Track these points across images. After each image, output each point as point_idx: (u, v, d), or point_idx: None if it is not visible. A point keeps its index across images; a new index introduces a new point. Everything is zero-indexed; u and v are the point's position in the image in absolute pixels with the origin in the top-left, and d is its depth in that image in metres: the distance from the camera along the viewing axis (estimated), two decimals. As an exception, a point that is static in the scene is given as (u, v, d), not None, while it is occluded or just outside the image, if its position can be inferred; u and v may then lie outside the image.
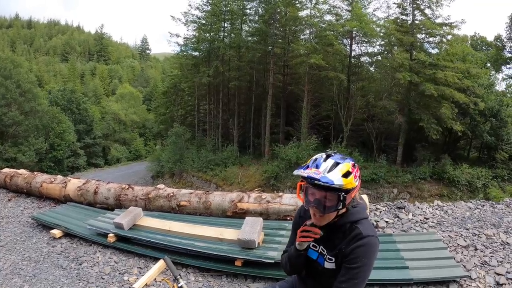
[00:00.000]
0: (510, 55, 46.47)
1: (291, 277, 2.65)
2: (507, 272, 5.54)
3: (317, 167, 2.05)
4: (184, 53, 41.73)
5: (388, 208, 8.12)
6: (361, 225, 2.13)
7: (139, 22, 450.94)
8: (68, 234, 6.82)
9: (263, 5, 34.46)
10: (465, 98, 26.72)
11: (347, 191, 2.04)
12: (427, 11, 29.30)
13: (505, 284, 5.23)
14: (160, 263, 5.22)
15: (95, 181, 8.54)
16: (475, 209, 9.05)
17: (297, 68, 34.26)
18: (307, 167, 2.08)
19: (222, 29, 37.96)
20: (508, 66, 47.26)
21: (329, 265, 2.20)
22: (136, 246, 5.95)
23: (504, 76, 47.50)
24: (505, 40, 46.27)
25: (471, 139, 31.92)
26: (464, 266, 5.49)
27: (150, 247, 5.83)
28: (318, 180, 1.98)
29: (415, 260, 5.13)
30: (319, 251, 2.25)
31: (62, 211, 7.75)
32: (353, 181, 2.06)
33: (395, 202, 8.65)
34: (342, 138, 30.44)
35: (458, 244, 6.31)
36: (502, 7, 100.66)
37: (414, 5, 29.19)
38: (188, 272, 5.32)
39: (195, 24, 39.09)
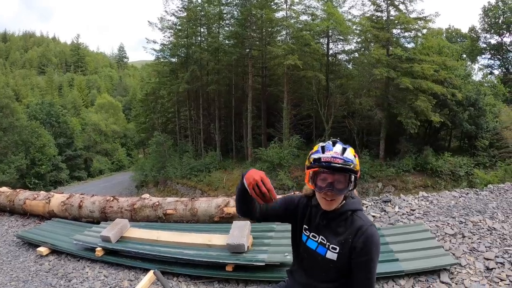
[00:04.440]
0: (484, 45, 48.57)
1: (285, 281, 2.63)
2: (495, 256, 5.64)
3: (330, 150, 2.07)
4: (162, 60, 41.48)
5: (374, 202, 8.17)
6: (361, 215, 2.19)
7: (115, 30, 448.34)
8: (55, 251, 6.69)
9: (238, 8, 34.45)
10: (442, 89, 27.22)
11: (357, 172, 2.10)
12: (401, 6, 29.81)
13: (494, 268, 5.33)
14: (150, 274, 5.10)
15: (79, 195, 8.42)
16: (459, 197, 9.17)
17: (276, 69, 34.51)
18: (321, 152, 2.09)
19: (199, 34, 37.89)
20: (483, 56, 49.66)
21: (331, 255, 2.18)
22: (125, 259, 5.86)
23: (480, 66, 49.43)
24: (479, 31, 48.37)
25: (451, 129, 32.43)
26: (454, 254, 5.58)
27: (139, 259, 5.75)
28: (340, 158, 2.02)
29: (405, 252, 5.20)
30: (318, 241, 2.23)
31: (47, 228, 7.61)
32: (358, 164, 2.13)
33: (380, 196, 8.71)
34: (324, 136, 30.39)
35: (446, 233, 6.40)
36: None
37: (388, 1, 29.57)
38: (179, 281, 5.26)
39: (171, 30, 38.90)
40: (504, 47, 48.21)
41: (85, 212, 7.96)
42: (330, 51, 33.72)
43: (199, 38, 38.03)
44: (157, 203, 7.44)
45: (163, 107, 44.92)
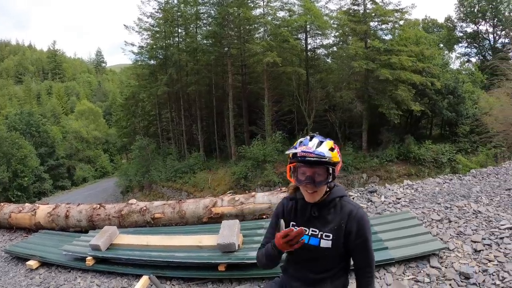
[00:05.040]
0: (461, 34, 49.71)
1: (280, 276, 2.66)
2: (482, 238, 5.77)
3: (305, 145, 2.15)
4: (140, 63, 40.99)
5: (360, 193, 8.25)
6: (348, 200, 2.29)
7: (92, 35, 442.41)
8: (45, 263, 6.59)
9: (215, 7, 34.23)
10: (421, 79, 27.65)
11: (334, 164, 2.17)
12: (378, -1, 30.15)
13: (482, 250, 5.45)
14: (143, 280, 5.09)
15: (65, 205, 8.32)
16: (443, 183, 9.32)
17: (255, 66, 34.39)
18: (295, 147, 2.18)
19: (176, 34, 37.57)
20: (460, 45, 50.70)
21: (325, 243, 2.23)
22: (116, 266, 5.80)
23: (458, 55, 50.28)
24: (455, 20, 49.56)
25: (432, 118, 32.78)
26: (441, 239, 5.69)
27: (130, 265, 5.69)
28: (311, 153, 2.09)
29: (394, 240, 5.28)
30: (309, 234, 2.26)
31: (35, 240, 7.49)
32: (337, 156, 2.19)
33: (366, 187, 8.78)
34: (306, 130, 30.35)
35: (432, 219, 6.50)
36: None
37: (364, -6, 29.81)
38: (172, 285, 5.23)
39: (148, 32, 38.52)
40: (480, 35, 49.26)
41: (72, 222, 7.87)
42: (309, 46, 33.94)
43: (177, 39, 37.68)
44: (144, 208, 7.40)
45: (143, 110, 44.59)
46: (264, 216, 6.83)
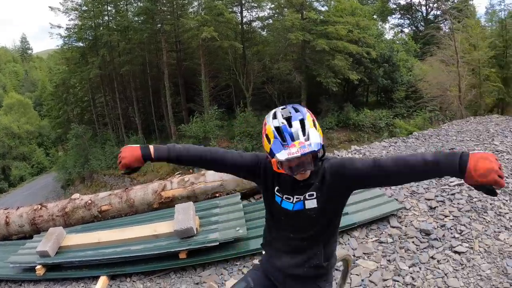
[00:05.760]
0: (394, 6, 51.31)
1: (260, 262, 2.40)
2: (435, 196, 6.05)
3: (292, 138, 1.78)
4: (69, 46, 38.51)
5: None
6: (328, 157, 2.03)
7: (16, 21, 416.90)
8: (-8, 281, 5.82)
9: None
10: (358, 48, 28.40)
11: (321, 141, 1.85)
12: (315, -29, 30.29)
13: (437, 206, 5.74)
14: (102, 281, 4.68)
15: (3, 210, 7.32)
16: (389, 146, 9.63)
17: (190, 42, 33.49)
18: (283, 144, 1.79)
19: (106, 13, 35.65)
20: (393, 16, 52.37)
21: (310, 203, 1.98)
22: (70, 271, 5.21)
23: (391, 26, 52.39)
24: None
25: (368, 85, 33.95)
26: (397, 199, 5.84)
27: (84, 267, 5.16)
28: (311, 151, 1.77)
29: (352, 205, 5.32)
30: (293, 202, 2.01)
31: (-25, 256, 6.57)
32: (320, 128, 1.89)
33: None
34: (245, 104, 30.78)
35: None
36: None
37: (301, -33, 29.91)
38: (133, 281, 4.85)
39: (76, 12, 36.06)
40: (413, 7, 51.27)
41: (14, 228, 7.00)
42: (244, 19, 33.70)
43: (107, 18, 35.80)
44: (89, 202, 6.74)
45: (76, 97, 42.36)
46: (217, 195, 6.54)
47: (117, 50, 34.99)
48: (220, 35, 28.24)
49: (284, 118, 1.82)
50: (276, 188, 2.05)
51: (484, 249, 4.82)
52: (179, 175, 7.16)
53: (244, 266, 4.70)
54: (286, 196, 2.02)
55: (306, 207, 1.97)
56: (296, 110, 1.86)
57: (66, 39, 37.43)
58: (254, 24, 35.12)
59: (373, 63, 30.43)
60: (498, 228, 5.24)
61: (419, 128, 22.05)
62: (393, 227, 5.21)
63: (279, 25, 30.69)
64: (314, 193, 1.95)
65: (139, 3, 34.65)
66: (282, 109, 1.88)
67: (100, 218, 6.75)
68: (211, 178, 6.60)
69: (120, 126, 37.35)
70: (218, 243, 4.72)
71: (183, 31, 31.80)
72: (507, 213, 5.67)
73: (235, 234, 4.88)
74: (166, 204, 6.47)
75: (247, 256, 4.82)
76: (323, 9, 31.80)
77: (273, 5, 32.31)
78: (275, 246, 2.25)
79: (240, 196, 6.22)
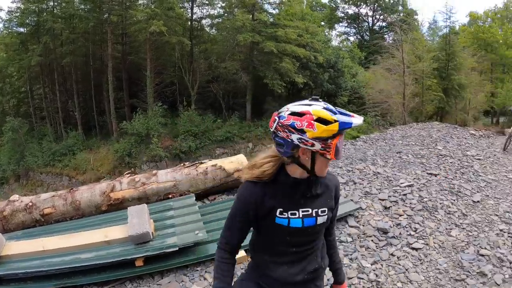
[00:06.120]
0: (342, 15, 54.78)
1: (251, 274, 2.24)
2: (388, 196, 6.44)
3: (342, 113, 1.74)
4: (9, 30, 35.31)
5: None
6: None
7: None
8: None
9: None
10: (306, 52, 29.08)
11: None
12: (269, -26, 30.71)
13: (391, 206, 6.11)
14: None
15: None
16: None
17: (137, 35, 32.27)
18: (327, 122, 1.71)
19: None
20: (340, 24, 56.03)
21: (322, 219, 1.97)
22: (12, 284, 4.50)
23: (338, 33, 55.81)
24: (338, 1, 53.95)
25: (313, 89, 34.57)
26: (352, 200, 6.17)
27: (29, 279, 4.49)
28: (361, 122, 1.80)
29: None
30: (301, 216, 1.91)
31: None
32: None
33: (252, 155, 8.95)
34: (189, 102, 30.39)
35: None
36: None
37: (257, -32, 30.14)
38: (86, 293, 4.43)
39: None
40: (360, 17, 54.83)
41: None
42: (194, 16, 33.12)
43: (52, 3, 33.05)
44: (30, 204, 6.13)
45: (12, 87, 39.79)
46: (171, 196, 6.35)
47: (60, 39, 32.81)
48: (168, 30, 27.57)
49: (322, 105, 1.79)
50: (279, 210, 1.89)
51: (439, 244, 5.19)
52: (129, 175, 6.90)
53: (205, 272, 4.54)
54: (291, 212, 1.90)
55: (318, 223, 1.94)
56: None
57: (6, 23, 34.85)
58: (203, 21, 34.71)
59: (319, 68, 31.30)
60: (449, 226, 5.71)
61: (363, 132, 22.84)
62: (352, 227, 5.44)
63: (229, 24, 30.49)
64: (326, 208, 1.95)
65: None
66: (297, 103, 1.84)
67: (42, 222, 6.18)
68: (164, 178, 6.50)
69: (59, 121, 35.03)
70: (177, 248, 4.49)
71: (130, 23, 30.63)
72: (456, 211, 6.17)
73: (195, 238, 4.72)
74: (116, 206, 6.20)
75: (207, 261, 4.62)
76: (274, 12, 32.23)
77: (224, 4, 32.17)
78: (269, 259, 2.08)
79: (194, 197, 6.12)
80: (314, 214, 1.90)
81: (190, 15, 32.52)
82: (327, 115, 1.69)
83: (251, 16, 29.68)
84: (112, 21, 30.75)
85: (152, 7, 28.91)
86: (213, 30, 36.36)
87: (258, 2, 30.42)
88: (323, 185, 1.93)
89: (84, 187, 6.65)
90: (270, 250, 2.04)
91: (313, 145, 1.71)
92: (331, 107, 1.73)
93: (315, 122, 1.69)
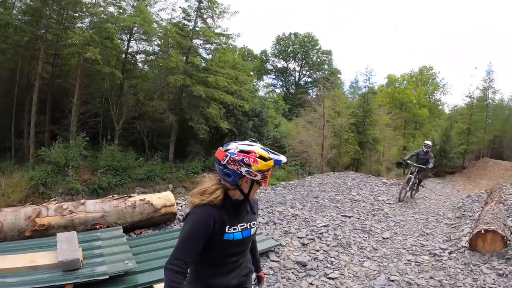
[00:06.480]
0: (271, 67, 59.52)
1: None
2: (306, 235, 7.21)
3: (273, 153, 2.41)
4: None
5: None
6: None
7: None
8: None
9: None
10: (233, 100, 30.07)
11: None
12: (209, 20, 31.50)
13: (309, 243, 6.81)
14: None
15: None
16: (260, 193, 10.77)
17: (69, 59, 31.06)
18: (266, 159, 2.36)
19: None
20: (269, 76, 60.49)
21: (254, 230, 2.58)
22: None
23: (265, 84, 59.38)
24: (269, 55, 59.02)
25: (236, 136, 35.06)
26: (273, 238, 6.79)
27: None
28: (285, 160, 2.48)
29: None
30: (240, 230, 2.47)
31: None
32: None
33: (181, 198, 9.40)
34: (113, 136, 29.41)
35: (260, 222, 7.67)
36: (273, 27, 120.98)
37: (198, 13, 30.81)
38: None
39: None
40: (288, 71, 59.89)
41: None
42: (130, 49, 32.87)
43: None
44: None
45: None
46: (98, 226, 6.33)
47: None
48: (103, 59, 26.97)
49: (259, 144, 2.49)
50: (227, 227, 2.38)
51: (353, 274, 5.89)
52: (56, 201, 6.76)
53: (134, 301, 4.65)
54: (233, 227, 2.42)
55: (252, 233, 2.55)
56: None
57: None
58: (138, 56, 34.53)
59: (244, 116, 32.26)
60: (362, 258, 6.54)
61: (282, 179, 23.77)
62: (273, 261, 5.95)
63: (163, 63, 30.75)
64: (255, 222, 2.61)
65: (28, 0, 30.02)
66: (241, 143, 2.45)
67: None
68: (92, 208, 6.44)
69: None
70: (108, 276, 4.51)
71: (65, 45, 29.29)
72: (367, 246, 7.08)
73: (125, 267, 4.77)
74: (40, 233, 5.93)
75: (136, 291, 4.70)
76: (207, 57, 32.96)
77: (161, 42, 32.32)
78: (211, 271, 2.49)
79: (122, 230, 6.17)
80: (249, 227, 2.50)
81: (126, 47, 32.13)
82: (265, 154, 2.33)
83: (185, 58, 30.07)
84: (47, 39, 29.23)
85: (90, 32, 28.18)
86: (146, 67, 36.21)
87: (194, 45, 31.07)
88: (251, 203, 2.57)
89: (9, 209, 6.31)
90: (215, 263, 2.44)
91: (256, 175, 2.32)
92: (265, 148, 2.41)
93: (258, 159, 2.30)
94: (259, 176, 2.34)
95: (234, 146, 2.36)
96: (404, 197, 12.50)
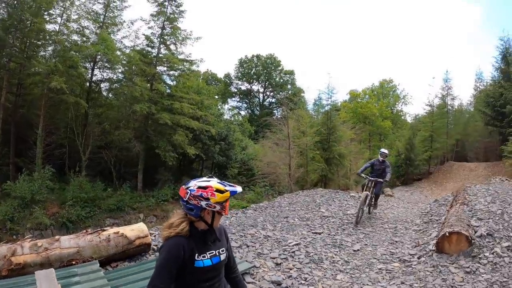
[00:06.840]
0: (235, 90, 60.49)
1: None
2: (279, 255, 7.41)
3: (229, 185, 2.70)
4: None
5: (159, 231, 8.81)
6: None
7: None
8: None
9: (8, 8, 28.24)
10: (199, 125, 30.18)
11: None
12: (172, 47, 31.82)
13: (282, 262, 7.03)
14: None
15: None
16: (231, 217, 10.96)
17: (33, 88, 30.36)
18: (222, 191, 2.64)
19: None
20: (233, 98, 61.22)
21: (224, 256, 2.83)
22: None
23: (230, 107, 59.95)
24: (233, 78, 60.08)
25: (204, 160, 35.50)
26: (247, 260, 6.98)
27: None
28: (241, 190, 2.75)
29: None
30: (209, 257, 2.73)
31: None
32: None
33: (153, 228, 9.48)
34: (79, 167, 28.73)
35: (233, 246, 7.58)
36: (236, 50, 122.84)
37: (161, 40, 31.06)
38: None
39: None
40: (252, 93, 61.05)
41: None
42: (94, 77, 32.56)
43: None
44: None
45: None
46: (74, 262, 6.31)
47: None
48: (68, 88, 26.53)
49: (209, 178, 2.75)
50: (196, 255, 2.66)
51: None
52: (30, 239, 6.69)
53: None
54: (202, 255, 2.68)
55: (221, 260, 2.80)
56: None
57: None
58: (102, 84, 34.21)
59: (211, 140, 32.49)
60: (334, 272, 6.80)
61: (253, 202, 23.89)
62: (249, 283, 6.10)
63: (127, 91, 30.41)
64: (224, 248, 2.85)
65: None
66: (199, 180, 2.73)
67: None
68: (67, 244, 6.45)
69: None
70: None
71: (29, 74, 28.81)
72: (339, 260, 7.35)
73: None
74: (17, 272, 5.88)
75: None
76: (172, 83, 33.14)
77: (124, 70, 32.11)
78: None
79: (98, 264, 6.21)
80: (217, 254, 2.75)
81: (90, 76, 31.86)
82: (221, 187, 2.62)
83: (149, 85, 30.20)
84: (10, 68, 28.41)
85: (54, 61, 27.71)
86: (110, 95, 35.84)
87: (158, 72, 31.21)
88: (218, 231, 2.80)
89: (-19, 249, 6.24)
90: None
91: (215, 207, 2.62)
92: (222, 181, 2.70)
93: (215, 192, 2.60)
94: (218, 207, 2.65)
95: (193, 184, 2.66)
96: (361, 218, 11.14)
